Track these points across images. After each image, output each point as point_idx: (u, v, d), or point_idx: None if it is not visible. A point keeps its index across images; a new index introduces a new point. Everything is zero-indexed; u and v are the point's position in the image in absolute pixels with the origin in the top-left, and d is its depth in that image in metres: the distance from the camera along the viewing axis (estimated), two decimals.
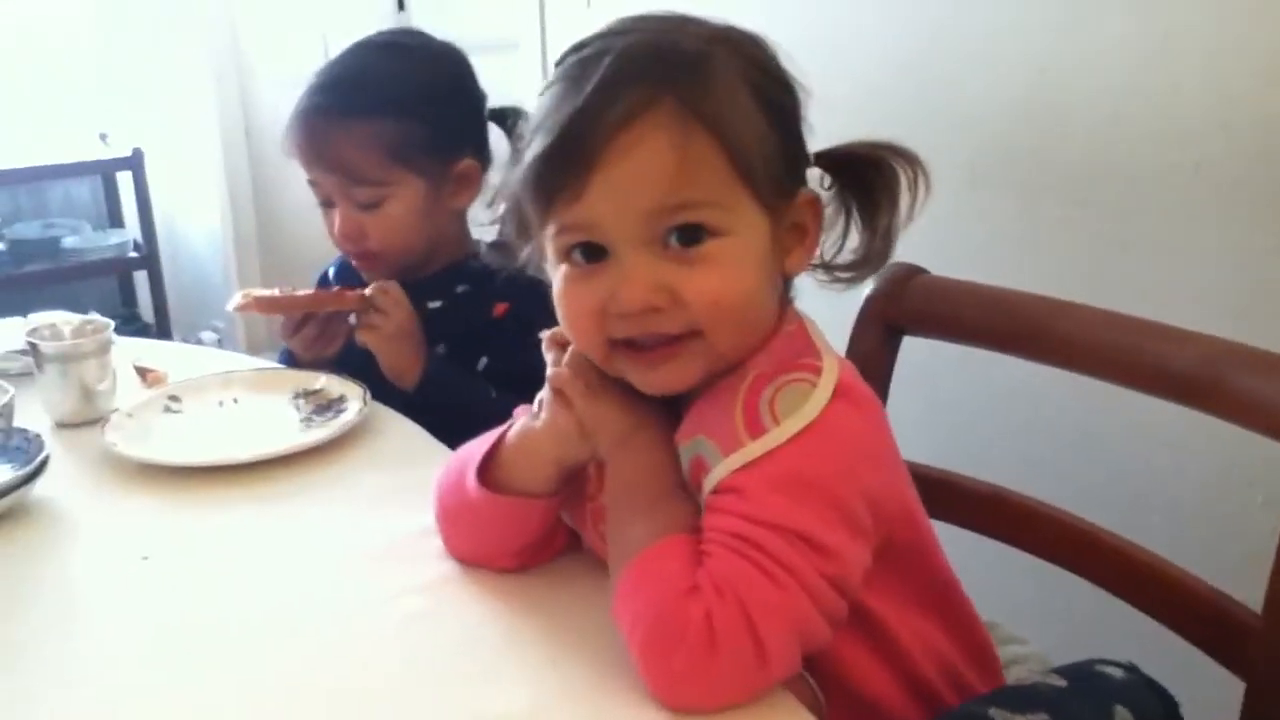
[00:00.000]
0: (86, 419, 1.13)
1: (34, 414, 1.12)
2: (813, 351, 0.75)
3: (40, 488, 0.97)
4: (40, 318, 1.25)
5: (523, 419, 0.81)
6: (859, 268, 0.79)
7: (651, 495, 0.73)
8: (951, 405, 1.45)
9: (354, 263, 1.27)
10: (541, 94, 0.75)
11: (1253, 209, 1.21)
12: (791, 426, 0.69)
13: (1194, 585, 0.86)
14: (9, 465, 0.98)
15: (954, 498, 0.99)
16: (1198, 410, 0.84)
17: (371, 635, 0.77)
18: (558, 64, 0.75)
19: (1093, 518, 0.94)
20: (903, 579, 0.76)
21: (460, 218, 1.29)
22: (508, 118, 1.26)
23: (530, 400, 1.12)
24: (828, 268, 0.80)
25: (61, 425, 1.14)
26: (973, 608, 0.85)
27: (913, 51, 1.50)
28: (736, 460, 0.69)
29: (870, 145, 0.78)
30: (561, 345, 0.80)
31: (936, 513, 0.93)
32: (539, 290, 1.27)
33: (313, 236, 3.39)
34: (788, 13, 1.47)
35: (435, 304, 1.22)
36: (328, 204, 1.24)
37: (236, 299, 1.21)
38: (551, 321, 1.23)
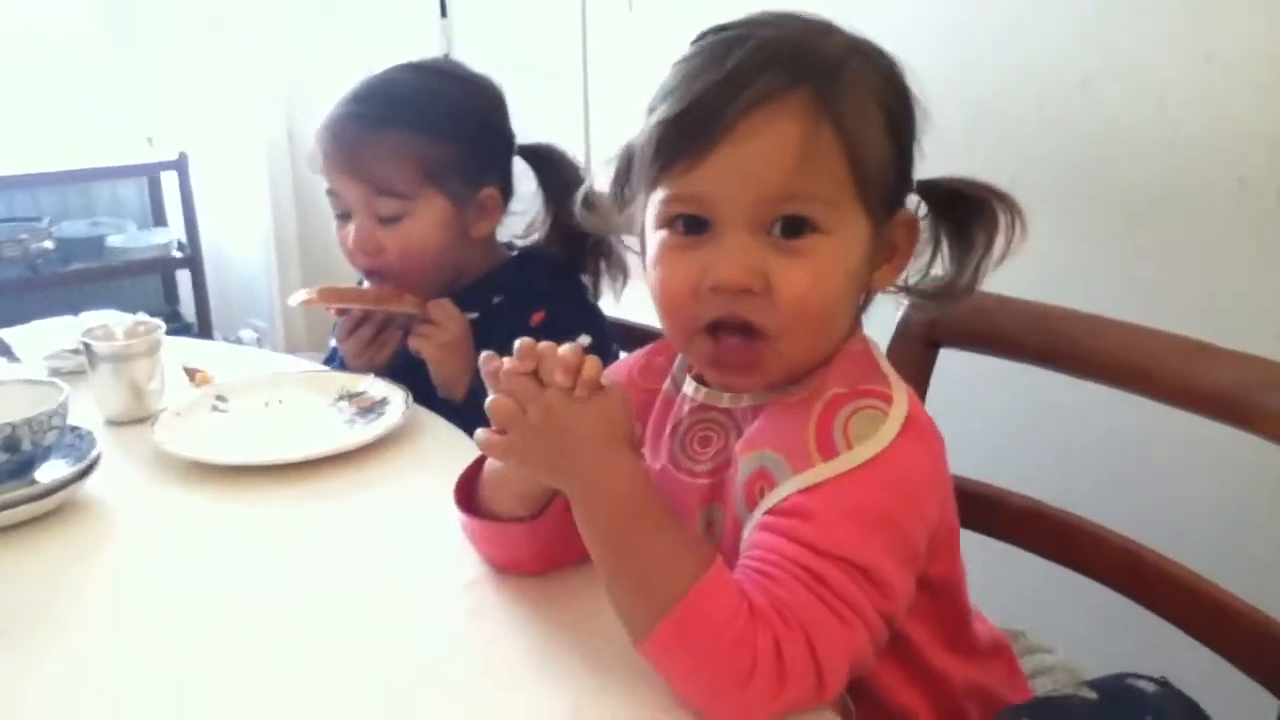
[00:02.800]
0: (136, 417, 1.16)
1: (86, 412, 1.14)
2: (881, 378, 0.76)
3: (92, 484, 0.99)
4: (92, 317, 1.28)
5: None
6: (941, 297, 0.80)
7: (657, 520, 0.69)
8: (988, 418, 1.45)
9: (366, 278, 1.27)
10: (676, 64, 0.75)
11: None
12: (863, 453, 0.69)
13: (1231, 602, 0.85)
14: (63, 461, 1.01)
15: (990, 511, 0.99)
16: (1234, 428, 0.85)
17: (413, 634, 0.78)
18: (695, 41, 0.76)
19: (1129, 532, 0.94)
20: (934, 603, 0.76)
21: (484, 241, 1.29)
22: (540, 156, 1.28)
23: None
24: (910, 290, 0.81)
25: (112, 423, 1.16)
26: (992, 632, 0.86)
27: (954, 67, 1.50)
28: (806, 479, 0.69)
29: (976, 185, 0.78)
30: (491, 373, 0.74)
31: (972, 525, 0.94)
32: (575, 294, 1.30)
33: None
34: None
35: (473, 315, 1.23)
36: (344, 216, 1.24)
37: (301, 294, 1.23)
38: (587, 327, 1.25)
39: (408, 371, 1.22)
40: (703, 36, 0.76)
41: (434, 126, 1.20)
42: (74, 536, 0.94)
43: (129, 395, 1.17)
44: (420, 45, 2.78)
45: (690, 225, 0.74)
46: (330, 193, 1.24)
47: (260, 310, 3.45)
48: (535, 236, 1.30)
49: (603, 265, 1.27)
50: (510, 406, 0.71)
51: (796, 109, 0.70)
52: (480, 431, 0.74)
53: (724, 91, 0.70)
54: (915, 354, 1.03)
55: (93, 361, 1.16)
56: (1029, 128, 1.44)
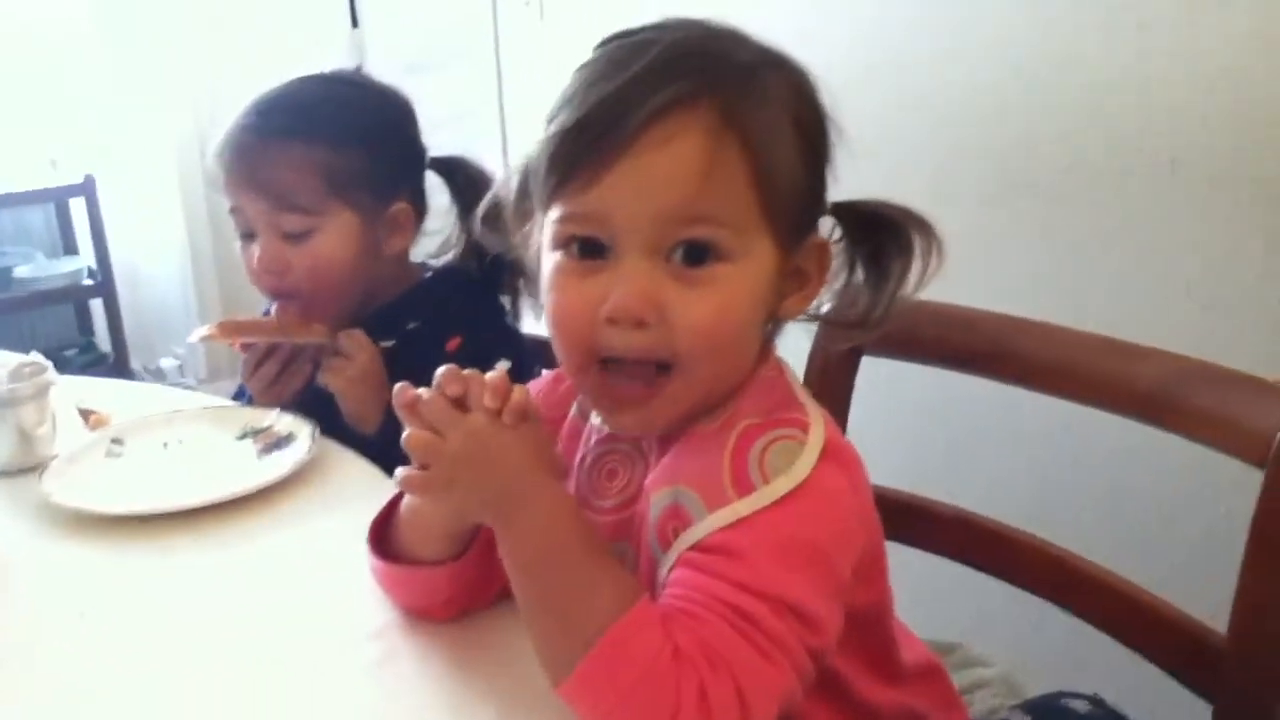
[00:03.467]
0: (24, 465, 1.09)
1: None
2: (796, 404, 0.72)
3: None
4: None
5: None
6: (855, 327, 0.76)
7: (585, 553, 0.66)
8: (913, 426, 1.44)
9: (272, 298, 1.21)
10: (576, 70, 0.70)
11: (1232, 203, 1.20)
12: (781, 486, 0.66)
13: (1157, 606, 0.85)
14: None
15: (917, 520, 0.97)
16: (1158, 428, 0.83)
17: (328, 686, 0.74)
18: (600, 45, 0.71)
19: (1055, 538, 0.93)
20: (861, 633, 0.73)
21: (397, 260, 1.24)
22: (452, 169, 1.23)
23: None
24: (822, 320, 0.77)
25: None
26: (922, 654, 0.84)
27: (883, 51, 1.49)
28: (723, 518, 0.66)
29: (893, 208, 0.74)
30: (406, 404, 0.69)
31: (899, 536, 0.91)
32: (493, 317, 1.25)
33: None
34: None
35: (388, 343, 1.18)
36: (248, 236, 1.18)
37: (201, 331, 1.17)
38: (506, 351, 1.20)
39: (317, 404, 1.17)
40: (606, 42, 0.71)
41: (339, 136, 1.15)
42: None
43: (15, 442, 1.10)
44: (332, 56, 2.72)
45: (586, 249, 0.69)
46: (233, 210, 1.18)
47: (179, 337, 3.34)
48: (450, 255, 1.26)
49: (521, 284, 1.23)
50: (429, 438, 0.67)
51: (702, 122, 0.66)
52: (400, 470, 0.70)
53: (623, 101, 0.65)
54: (835, 363, 1.01)
55: None
56: (960, 110, 1.42)
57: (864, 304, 0.75)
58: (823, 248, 0.74)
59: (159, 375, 3.31)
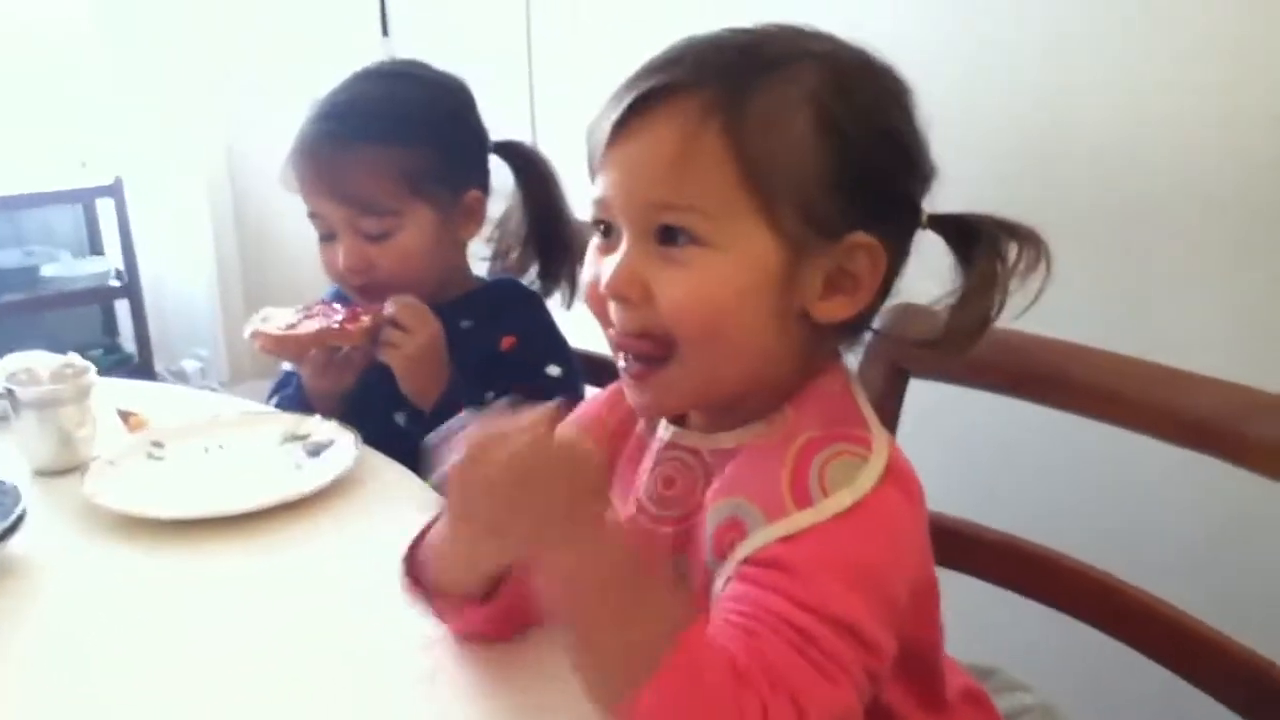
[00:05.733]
0: (66, 466, 1.09)
1: (10, 462, 1.08)
2: (860, 421, 0.71)
3: (17, 543, 0.93)
4: (17, 360, 1.21)
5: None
6: (934, 346, 0.74)
7: (639, 575, 0.63)
8: (961, 450, 1.43)
9: (356, 297, 1.23)
10: None
11: (1268, 238, 1.19)
12: (841, 501, 0.65)
13: (1211, 636, 0.83)
14: None
15: (964, 545, 0.96)
16: (1215, 458, 0.82)
17: (367, 702, 0.73)
18: None
19: (1106, 565, 0.91)
20: (911, 662, 0.71)
21: (463, 250, 1.27)
22: (515, 154, 1.24)
23: None
24: (897, 339, 0.76)
25: (39, 474, 1.10)
26: (966, 682, 0.82)
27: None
28: (780, 529, 0.65)
29: (985, 219, 0.72)
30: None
31: (946, 561, 0.90)
32: (546, 324, 1.26)
33: (297, 259, 3.33)
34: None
35: None
36: (329, 237, 1.20)
37: (255, 321, 1.17)
38: (557, 358, 1.21)
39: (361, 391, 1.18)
40: None
41: (410, 136, 1.16)
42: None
43: (57, 443, 1.10)
44: (363, 65, 2.72)
45: (604, 231, 0.74)
46: (312, 215, 1.20)
47: (203, 339, 3.35)
48: (513, 255, 1.27)
49: (579, 272, 1.24)
50: (469, 465, 0.63)
51: (687, 111, 0.67)
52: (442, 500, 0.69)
53: (624, 91, 0.70)
54: (883, 383, 1.00)
55: (16, 408, 1.10)
56: (991, 145, 1.41)
57: (955, 322, 0.73)
58: (870, 247, 0.70)
59: (181, 377, 3.31)
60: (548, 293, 1.28)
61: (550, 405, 0.65)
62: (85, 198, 3.20)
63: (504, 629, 0.76)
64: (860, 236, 0.70)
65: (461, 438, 0.65)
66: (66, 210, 3.31)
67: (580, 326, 1.28)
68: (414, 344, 1.13)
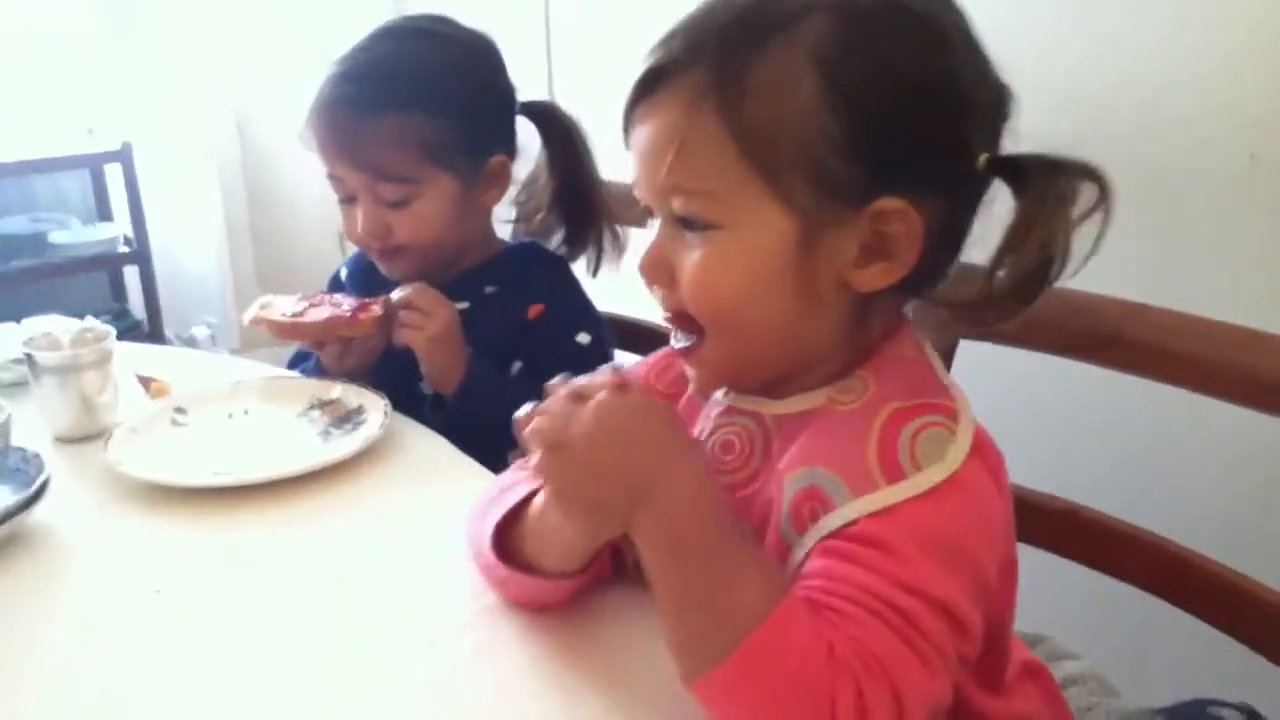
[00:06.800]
0: (87, 433, 1.06)
1: (31, 428, 1.05)
2: (940, 388, 0.67)
3: (40, 512, 0.90)
4: (36, 324, 1.18)
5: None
6: (975, 309, 0.68)
7: (732, 537, 0.61)
8: (1017, 415, 1.39)
9: (377, 260, 1.20)
10: None
11: None
12: (934, 475, 0.61)
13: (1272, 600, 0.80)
14: (7, 488, 0.91)
15: (1022, 513, 0.92)
16: None
17: (414, 676, 0.70)
18: None
19: (1171, 534, 0.88)
20: (984, 645, 0.67)
21: (487, 215, 1.23)
22: (543, 116, 1.20)
23: None
24: (945, 303, 0.70)
25: (60, 440, 1.07)
26: (1023, 651, 0.79)
27: None
28: (871, 503, 0.61)
29: (1032, 157, 0.66)
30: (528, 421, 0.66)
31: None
32: (573, 289, 1.22)
33: (307, 227, 3.29)
34: None
35: (462, 305, 1.14)
36: (349, 200, 1.16)
37: (252, 310, 1.13)
38: (586, 324, 1.17)
39: (385, 359, 1.15)
40: None
41: (433, 103, 1.11)
42: (23, 572, 0.85)
43: (78, 410, 1.07)
44: (386, 21, 2.67)
45: (649, 211, 0.72)
46: (331, 177, 1.16)
47: (213, 306, 3.32)
48: (540, 215, 1.23)
49: (607, 241, 1.21)
50: (556, 422, 0.64)
51: (686, 90, 0.65)
52: (526, 461, 0.68)
53: (641, 72, 0.68)
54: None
55: (36, 373, 1.06)
56: (1031, 105, 1.37)
57: (1000, 275, 0.66)
58: (902, 211, 0.64)
59: (191, 344, 3.27)
60: (573, 258, 1.24)
61: (614, 368, 0.67)
62: (93, 163, 3.16)
63: (564, 597, 0.74)
64: (887, 202, 0.64)
65: (541, 417, 0.64)
66: (74, 176, 3.27)
67: (607, 291, 1.25)
68: (435, 324, 1.10)
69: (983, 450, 0.64)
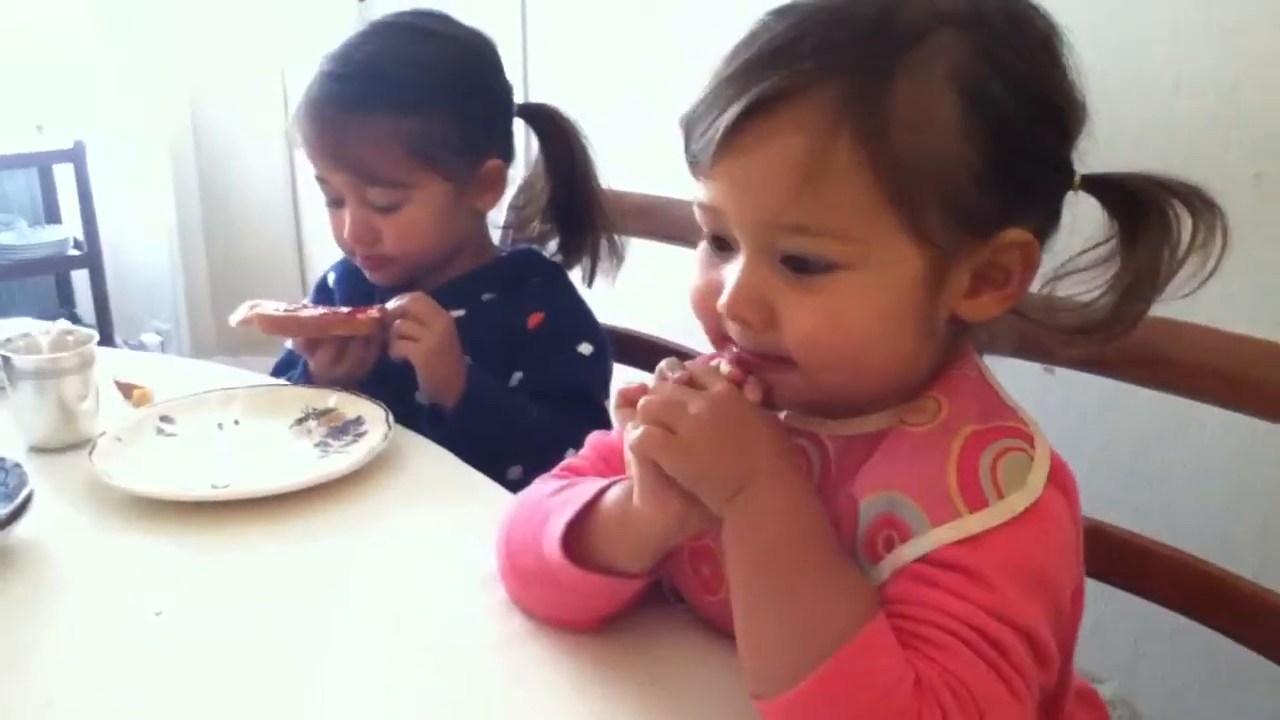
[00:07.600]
0: (66, 443, 1.00)
1: (3, 436, 0.99)
2: (1009, 411, 0.65)
3: (24, 527, 0.84)
4: (10, 325, 1.11)
5: (618, 487, 0.67)
6: (1085, 332, 0.65)
7: (825, 550, 0.59)
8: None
9: (362, 266, 1.15)
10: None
11: None
12: (1018, 503, 0.59)
13: None
14: None
15: None
16: None
17: (438, 707, 0.66)
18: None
19: (1203, 554, 0.87)
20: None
21: (481, 219, 1.18)
22: (541, 119, 1.16)
23: (572, 419, 1.02)
24: (1039, 325, 0.66)
25: (36, 449, 1.01)
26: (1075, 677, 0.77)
27: None
28: (953, 532, 0.58)
29: (1146, 181, 0.63)
30: (631, 402, 0.63)
31: None
32: (572, 298, 1.18)
33: (261, 231, 3.20)
34: None
35: (458, 313, 1.10)
36: (336, 203, 1.11)
37: (241, 311, 1.08)
38: (587, 333, 1.14)
39: (374, 379, 1.09)
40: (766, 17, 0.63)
41: (425, 104, 1.06)
42: (7, 594, 0.79)
43: (57, 417, 1.01)
44: (334, 31, 2.61)
45: (717, 242, 0.65)
46: (319, 179, 1.11)
47: (163, 311, 3.22)
48: (534, 224, 1.20)
49: (604, 249, 1.18)
50: (673, 399, 0.61)
51: (814, 113, 0.57)
52: (634, 431, 0.61)
53: (733, 86, 0.59)
54: None
55: (13, 378, 1.00)
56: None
57: (1101, 304, 0.64)
58: (1025, 244, 0.62)
59: (140, 350, 3.18)
60: (569, 266, 1.20)
61: (721, 361, 0.63)
62: (43, 161, 3.06)
63: (593, 620, 0.71)
64: (1014, 234, 0.61)
65: (652, 394, 0.62)
66: (22, 176, 3.16)
67: (604, 302, 1.22)
68: (433, 335, 1.05)
69: (1058, 475, 0.62)
